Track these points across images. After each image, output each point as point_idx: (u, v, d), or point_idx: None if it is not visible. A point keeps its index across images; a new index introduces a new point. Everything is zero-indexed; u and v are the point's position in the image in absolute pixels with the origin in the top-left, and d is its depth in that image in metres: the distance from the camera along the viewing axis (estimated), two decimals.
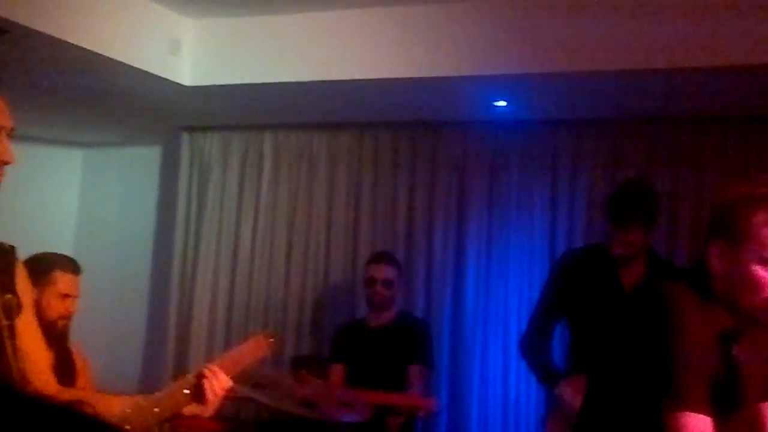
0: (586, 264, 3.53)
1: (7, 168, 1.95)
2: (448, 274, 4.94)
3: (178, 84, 4.40)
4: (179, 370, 5.13)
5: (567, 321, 3.68)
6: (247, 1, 4.18)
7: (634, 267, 3.40)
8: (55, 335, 3.07)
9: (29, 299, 2.05)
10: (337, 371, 4.30)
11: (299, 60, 4.28)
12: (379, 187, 5.16)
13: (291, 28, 4.30)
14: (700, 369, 1.87)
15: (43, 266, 3.06)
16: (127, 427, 2.09)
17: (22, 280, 2.02)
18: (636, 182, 3.70)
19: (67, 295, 3.08)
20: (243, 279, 5.39)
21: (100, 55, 3.89)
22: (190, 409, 2.19)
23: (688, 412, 1.83)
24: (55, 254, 3.21)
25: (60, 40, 3.67)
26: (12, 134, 1.97)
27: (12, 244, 2.03)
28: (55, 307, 3.04)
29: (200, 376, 2.17)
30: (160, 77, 4.28)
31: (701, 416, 1.84)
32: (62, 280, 3.08)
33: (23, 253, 2.14)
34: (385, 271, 4.33)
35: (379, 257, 4.49)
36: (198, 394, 2.16)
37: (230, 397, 2.30)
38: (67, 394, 2.15)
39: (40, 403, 0.85)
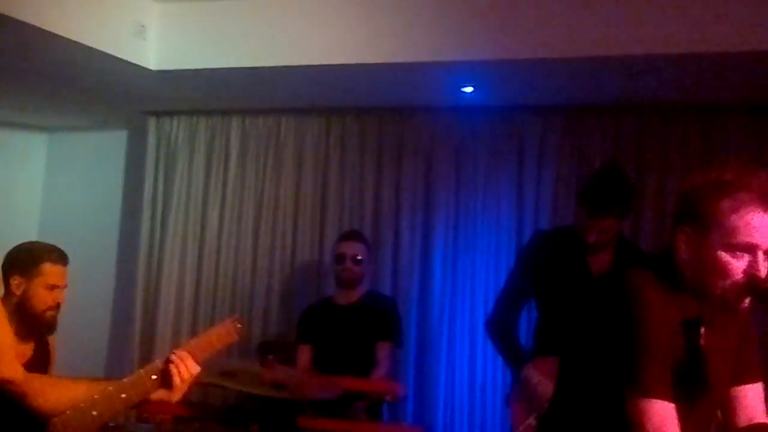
0: (556, 247, 3.53)
1: None
2: (416, 256, 4.98)
3: (143, 68, 4.37)
4: (146, 356, 5.12)
5: (535, 303, 3.70)
6: None
7: (603, 253, 3.42)
8: (42, 326, 3.08)
9: None
10: (305, 352, 4.32)
11: (266, 45, 4.26)
12: (346, 172, 5.17)
13: (258, 12, 4.28)
14: (663, 356, 1.89)
15: (31, 257, 3.05)
16: (95, 412, 2.09)
17: None
18: (611, 170, 3.70)
19: (54, 286, 3.07)
20: (210, 263, 5.38)
21: (65, 38, 3.85)
22: (158, 395, 2.19)
23: (650, 399, 1.85)
24: (43, 244, 3.19)
25: (23, 22, 3.62)
26: None
27: None
28: (42, 298, 3.03)
29: (168, 362, 2.17)
30: (125, 61, 4.25)
31: (664, 402, 1.86)
32: (51, 271, 3.07)
33: None
34: (354, 248, 4.35)
35: (349, 235, 4.52)
36: (166, 380, 2.16)
37: (198, 382, 2.31)
38: (34, 380, 2.15)
39: None
